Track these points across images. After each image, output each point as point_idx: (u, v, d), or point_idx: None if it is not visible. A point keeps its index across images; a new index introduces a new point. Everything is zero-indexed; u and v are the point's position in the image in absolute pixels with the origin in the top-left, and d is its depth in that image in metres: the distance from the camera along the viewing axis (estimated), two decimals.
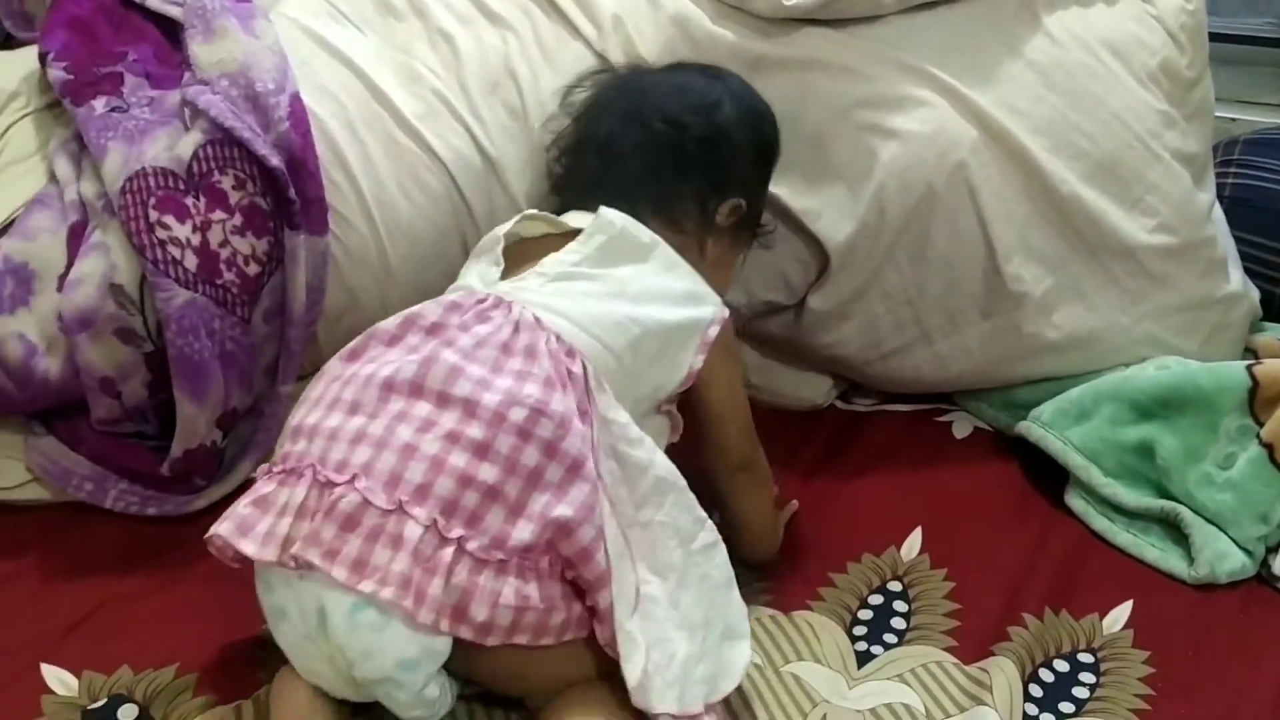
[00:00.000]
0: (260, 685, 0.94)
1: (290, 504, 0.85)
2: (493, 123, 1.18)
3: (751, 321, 1.29)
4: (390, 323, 0.94)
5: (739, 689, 0.93)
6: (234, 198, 1.11)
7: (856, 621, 1.04)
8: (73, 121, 1.16)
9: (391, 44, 1.22)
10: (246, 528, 0.86)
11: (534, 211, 1.07)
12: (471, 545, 0.82)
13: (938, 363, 1.28)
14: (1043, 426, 1.20)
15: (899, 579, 1.09)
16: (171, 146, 1.11)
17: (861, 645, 1.01)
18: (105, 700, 0.94)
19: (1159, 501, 1.13)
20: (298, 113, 1.14)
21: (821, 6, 1.21)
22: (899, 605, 1.06)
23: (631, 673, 0.84)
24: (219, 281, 1.10)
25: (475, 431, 0.85)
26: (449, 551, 0.82)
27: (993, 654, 0.99)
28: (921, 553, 1.11)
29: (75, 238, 1.11)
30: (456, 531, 0.82)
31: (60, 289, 1.09)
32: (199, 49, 1.16)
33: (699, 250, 1.08)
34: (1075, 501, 1.17)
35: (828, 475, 1.22)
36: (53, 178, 1.16)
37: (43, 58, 1.19)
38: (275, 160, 1.11)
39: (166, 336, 1.08)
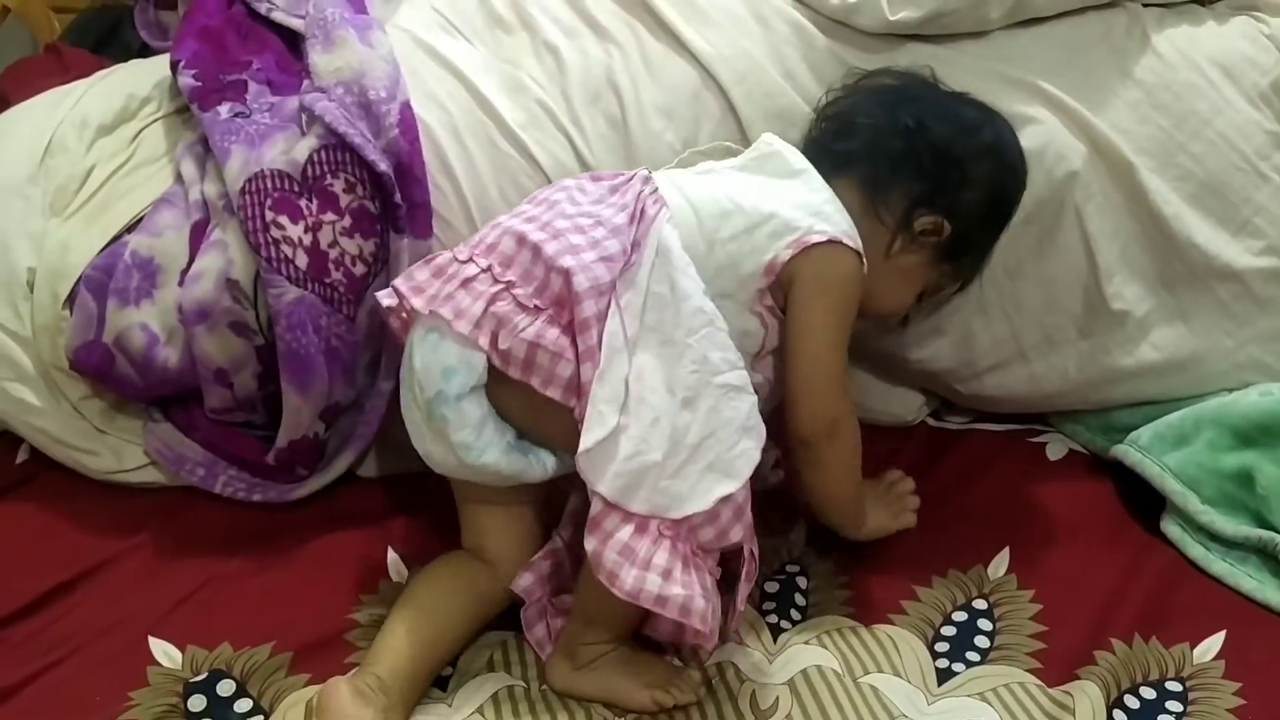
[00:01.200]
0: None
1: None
2: (593, 133, 1.20)
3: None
4: None
5: (814, 695, 0.93)
6: (344, 200, 1.15)
7: (939, 637, 1.03)
8: (199, 126, 1.22)
9: (499, 55, 1.25)
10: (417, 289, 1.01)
11: (726, 143, 1.15)
12: (518, 291, 0.97)
13: (1033, 382, 1.26)
14: (1140, 450, 1.18)
15: (984, 597, 1.08)
16: (288, 150, 1.16)
17: (943, 661, 1.01)
18: (206, 674, 0.98)
19: (1257, 531, 1.10)
20: (407, 120, 1.18)
21: (927, 22, 1.20)
22: (983, 624, 1.05)
23: (585, 440, 0.91)
24: (327, 280, 1.14)
25: (543, 214, 1.02)
26: (497, 289, 0.97)
27: (1077, 677, 0.98)
28: (1009, 572, 1.10)
29: (197, 235, 1.17)
30: (509, 277, 0.98)
31: (181, 283, 1.14)
32: (318, 58, 1.21)
33: (885, 246, 1.09)
34: (1171, 528, 1.15)
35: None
36: (179, 178, 1.21)
37: (174, 65, 1.25)
38: (384, 166, 1.15)
39: (276, 331, 1.13)
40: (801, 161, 1.08)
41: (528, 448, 1.01)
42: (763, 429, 0.96)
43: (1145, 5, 1.26)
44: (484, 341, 0.96)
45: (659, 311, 0.96)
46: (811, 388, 1.02)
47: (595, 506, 0.92)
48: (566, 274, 0.95)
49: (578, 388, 0.94)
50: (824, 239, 1.01)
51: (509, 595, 1.03)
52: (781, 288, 1.03)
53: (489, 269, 0.98)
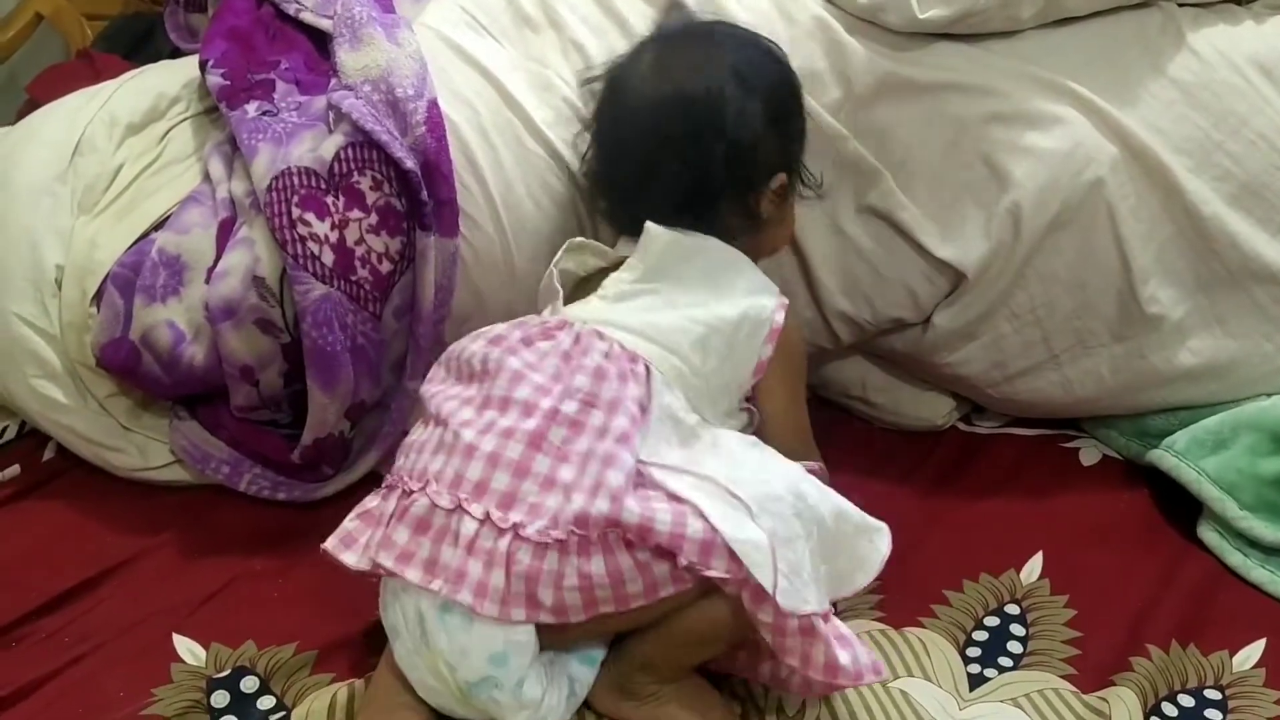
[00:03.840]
0: (374, 667, 0.97)
1: (383, 516, 0.90)
2: None
3: (875, 338, 1.28)
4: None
5: (845, 701, 0.92)
6: (371, 198, 1.15)
7: (971, 642, 1.02)
8: (227, 125, 1.22)
9: (526, 54, 1.24)
10: (350, 541, 0.92)
11: (580, 240, 1.08)
12: (529, 530, 0.85)
13: (1065, 387, 1.25)
14: (1176, 456, 1.16)
15: (1017, 602, 1.06)
16: (315, 148, 1.16)
17: (975, 667, 1.00)
18: (230, 671, 0.98)
19: None
20: (434, 118, 1.17)
21: (956, 21, 1.19)
22: (1016, 629, 1.03)
23: (765, 579, 0.84)
24: (353, 278, 1.14)
25: (529, 424, 0.89)
26: (505, 540, 0.85)
27: (1113, 684, 0.97)
28: (1042, 577, 1.09)
29: (224, 233, 1.17)
30: (514, 519, 0.85)
31: (208, 281, 1.14)
32: (345, 56, 1.21)
33: (756, 242, 1.07)
34: (1208, 534, 1.13)
35: (945, 495, 1.20)
36: (206, 177, 1.22)
37: (202, 65, 1.26)
38: (410, 163, 1.15)
39: (302, 328, 1.13)
40: (694, 238, 1.02)
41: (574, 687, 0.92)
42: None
43: (1180, 4, 1.25)
44: (522, 615, 0.84)
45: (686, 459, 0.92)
46: (789, 451, 1.00)
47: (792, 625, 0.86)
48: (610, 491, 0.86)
49: (672, 579, 0.86)
50: (783, 314, 1.02)
51: None
52: None
53: (487, 519, 0.86)
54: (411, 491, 0.89)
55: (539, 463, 0.88)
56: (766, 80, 1.06)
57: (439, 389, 0.97)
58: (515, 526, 0.85)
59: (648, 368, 0.95)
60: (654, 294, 1.01)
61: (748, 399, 1.03)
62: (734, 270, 1.03)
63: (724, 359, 0.99)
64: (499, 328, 1.00)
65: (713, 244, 1.03)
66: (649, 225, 1.02)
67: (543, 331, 0.97)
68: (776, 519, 0.87)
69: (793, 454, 1.00)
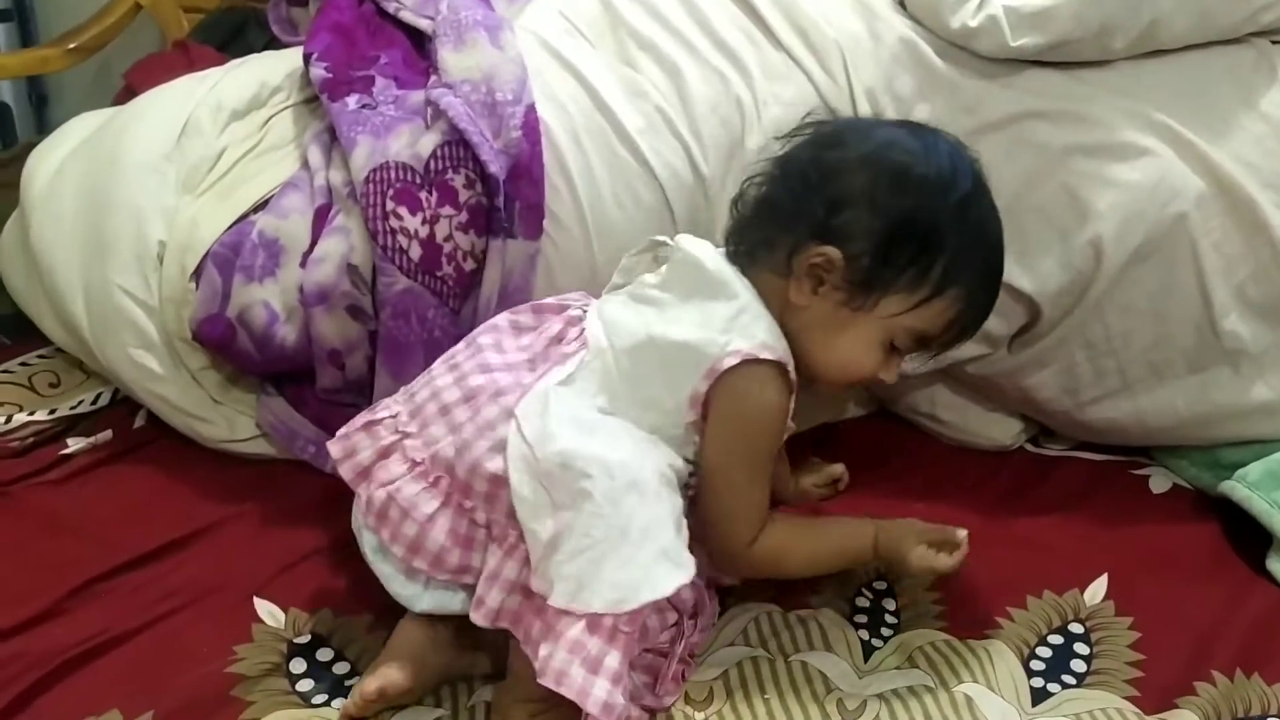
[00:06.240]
0: None
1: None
2: (710, 143, 1.21)
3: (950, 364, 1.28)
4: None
5: (903, 702, 0.92)
6: (463, 196, 1.18)
7: (1034, 656, 1.02)
8: (326, 115, 1.26)
9: (621, 59, 1.27)
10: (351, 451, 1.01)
11: (659, 239, 1.08)
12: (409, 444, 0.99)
13: (1138, 416, 1.25)
14: (1249, 487, 1.16)
15: (1080, 621, 1.06)
16: (413, 143, 1.19)
17: (1038, 681, 1.00)
18: (309, 637, 1.01)
19: None
20: (531, 122, 1.20)
21: (1049, 49, 1.19)
22: (1080, 648, 1.04)
23: (535, 574, 0.91)
24: (438, 274, 1.17)
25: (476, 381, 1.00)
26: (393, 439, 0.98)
27: (1176, 706, 0.96)
28: (1106, 599, 1.09)
29: (320, 219, 1.20)
30: (410, 427, 0.99)
31: (303, 265, 1.18)
32: (448, 55, 1.24)
33: (783, 301, 0.99)
34: (1277, 566, 1.12)
35: (1011, 513, 1.20)
36: (305, 164, 1.25)
37: (306, 57, 1.30)
38: (495, 167, 1.16)
39: (380, 317, 1.16)
40: (715, 261, 1.00)
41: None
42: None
43: (1274, 43, 1.25)
44: (373, 523, 0.97)
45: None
46: (730, 523, 0.98)
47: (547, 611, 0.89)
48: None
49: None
50: (737, 360, 0.94)
51: None
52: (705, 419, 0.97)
53: (395, 416, 1.00)
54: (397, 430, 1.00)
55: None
56: (895, 177, 0.98)
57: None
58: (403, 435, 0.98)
59: (582, 359, 0.99)
60: (654, 302, 1.00)
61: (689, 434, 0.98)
62: (726, 304, 0.97)
63: (653, 375, 0.97)
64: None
65: (727, 274, 0.99)
66: (680, 237, 1.04)
67: (558, 311, 1.04)
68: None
69: (719, 519, 0.98)
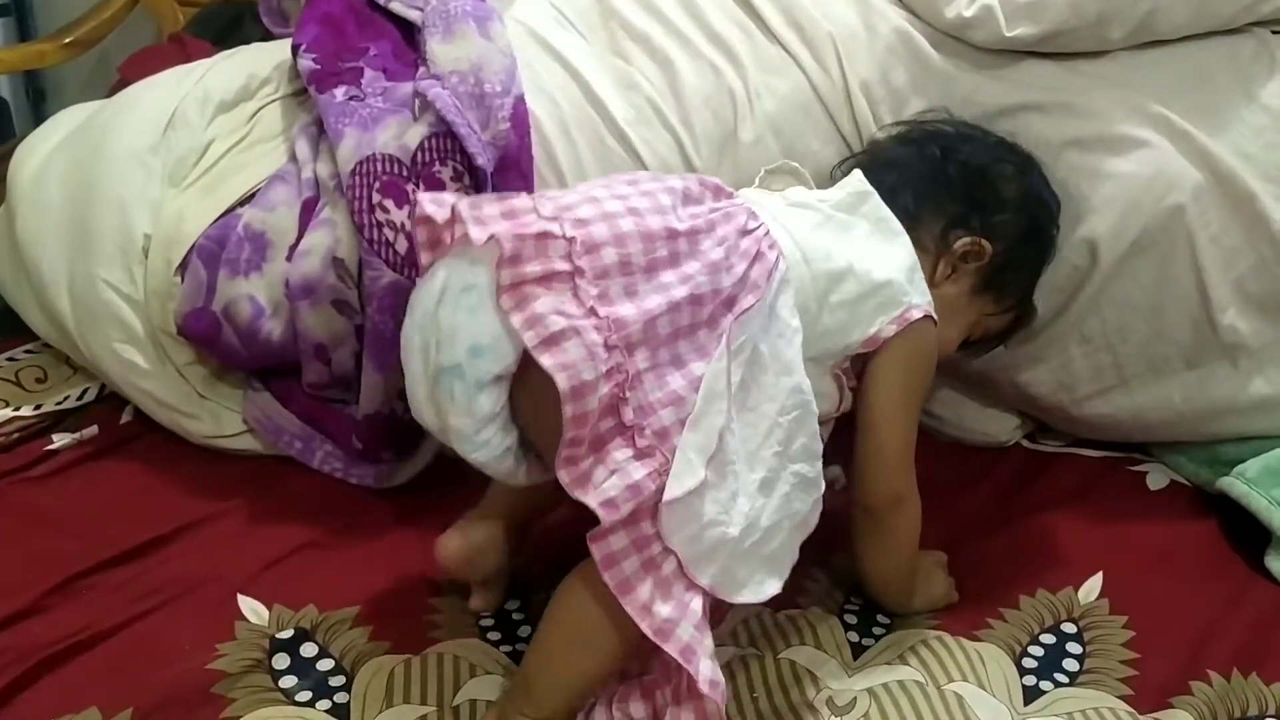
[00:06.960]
0: (431, 643, 0.99)
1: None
2: (702, 135, 1.20)
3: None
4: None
5: (893, 699, 0.91)
6: (451, 189, 1.16)
7: (1026, 655, 1.01)
8: (314, 108, 1.25)
9: (612, 50, 1.26)
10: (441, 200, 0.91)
11: (789, 164, 1.10)
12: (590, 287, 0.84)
13: (1135, 412, 1.23)
14: (1247, 483, 1.14)
15: (1074, 620, 1.05)
16: (400, 136, 1.17)
17: (1030, 679, 0.99)
18: (292, 632, 1.00)
19: None
20: (519, 115, 1.19)
21: (1045, 39, 1.18)
22: (1073, 647, 1.02)
23: (672, 487, 0.81)
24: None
25: (644, 202, 0.90)
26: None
27: (1171, 706, 0.95)
28: (1101, 597, 1.08)
29: (307, 212, 1.19)
30: (582, 263, 0.85)
31: (289, 258, 1.17)
32: (437, 46, 1.23)
33: (929, 276, 1.04)
34: (1276, 564, 1.11)
35: (1006, 510, 1.19)
36: (293, 157, 1.24)
37: (295, 49, 1.28)
38: (481, 160, 1.15)
39: (366, 311, 1.14)
40: (887, 210, 1.02)
41: (523, 455, 0.91)
42: (814, 526, 0.92)
43: (1275, 32, 1.23)
44: (519, 320, 0.83)
45: (755, 375, 0.89)
46: (882, 461, 0.99)
47: (653, 550, 0.83)
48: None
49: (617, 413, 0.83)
50: (921, 314, 0.98)
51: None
52: (865, 356, 0.99)
53: (570, 254, 0.85)
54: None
55: (627, 229, 0.87)
56: (1038, 197, 1.12)
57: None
58: (576, 271, 0.84)
59: (779, 260, 0.92)
60: (830, 220, 1.00)
61: (844, 363, 0.98)
62: (905, 254, 1.00)
63: (844, 305, 0.96)
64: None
65: (898, 225, 1.02)
66: (855, 172, 1.05)
67: (715, 186, 0.97)
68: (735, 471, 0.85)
69: (883, 462, 0.98)
